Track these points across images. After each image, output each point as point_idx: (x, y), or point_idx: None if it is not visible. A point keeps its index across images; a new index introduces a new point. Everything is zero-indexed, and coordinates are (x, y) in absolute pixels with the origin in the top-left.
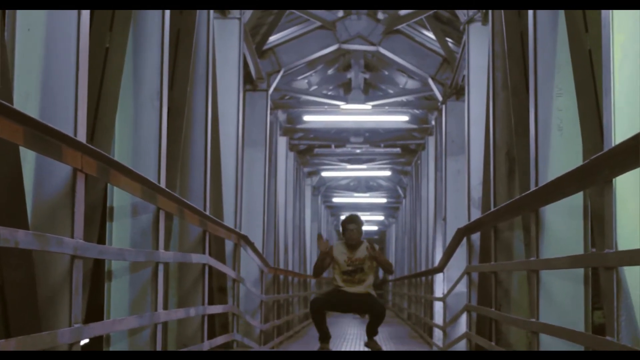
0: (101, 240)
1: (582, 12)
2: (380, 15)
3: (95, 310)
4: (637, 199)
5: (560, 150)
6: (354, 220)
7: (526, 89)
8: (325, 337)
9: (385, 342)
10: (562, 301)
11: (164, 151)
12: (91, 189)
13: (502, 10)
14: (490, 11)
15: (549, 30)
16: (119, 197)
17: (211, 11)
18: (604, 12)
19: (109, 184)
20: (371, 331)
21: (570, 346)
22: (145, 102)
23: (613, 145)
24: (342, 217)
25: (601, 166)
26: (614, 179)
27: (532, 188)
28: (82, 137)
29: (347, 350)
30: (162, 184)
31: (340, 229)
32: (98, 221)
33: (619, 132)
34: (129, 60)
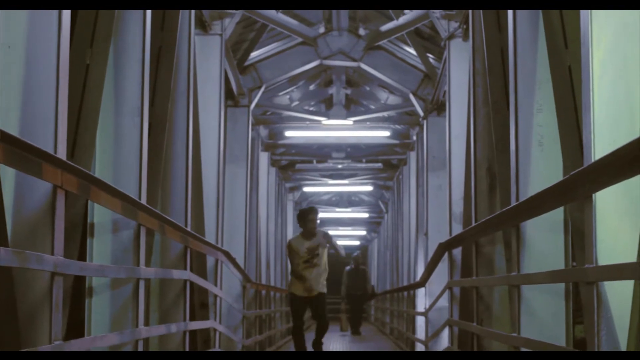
0: (82, 256)
1: (561, 27)
2: (362, 31)
3: (75, 327)
4: (616, 214)
5: (540, 166)
6: (315, 212)
7: (507, 104)
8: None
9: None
10: (543, 316)
11: (144, 167)
12: (71, 206)
13: (483, 26)
14: (470, 27)
15: (529, 47)
16: (100, 214)
17: (192, 27)
18: (583, 27)
19: (89, 201)
20: (317, 344)
21: None
22: (126, 118)
23: (593, 160)
24: (301, 209)
25: (581, 182)
26: (593, 195)
27: (513, 203)
28: (62, 154)
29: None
30: (143, 200)
31: (298, 220)
32: (79, 238)
33: (599, 148)
34: (109, 76)
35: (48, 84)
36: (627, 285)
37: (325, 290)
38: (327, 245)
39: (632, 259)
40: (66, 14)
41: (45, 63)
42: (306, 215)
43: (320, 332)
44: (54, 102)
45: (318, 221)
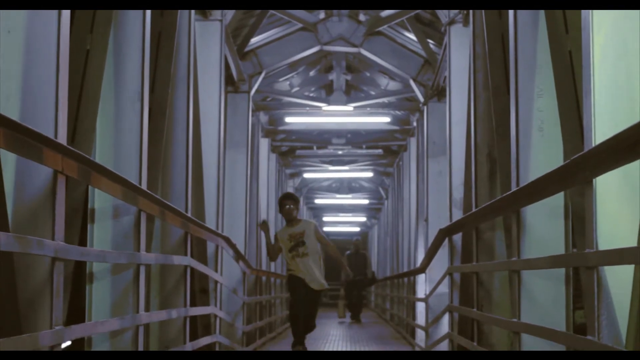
0: (82, 242)
1: (562, 13)
2: (362, 16)
3: (76, 313)
4: (617, 199)
5: (541, 151)
6: (290, 197)
7: (507, 90)
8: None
9: (368, 342)
10: (544, 301)
11: (145, 153)
12: (72, 191)
13: (483, 12)
14: (471, 12)
15: (529, 32)
16: (100, 199)
17: (192, 13)
18: (583, 13)
19: (90, 186)
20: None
21: (551, 346)
22: (126, 103)
23: (593, 145)
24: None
25: (581, 166)
26: (594, 179)
27: (513, 189)
28: (62, 139)
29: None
30: (144, 186)
31: (278, 207)
32: (79, 223)
33: (599, 133)
34: (109, 62)
35: (48, 70)
36: (628, 270)
37: (321, 287)
38: (316, 238)
39: (633, 243)
40: None
41: (46, 49)
42: (280, 202)
43: (305, 332)
44: (54, 88)
45: (290, 207)
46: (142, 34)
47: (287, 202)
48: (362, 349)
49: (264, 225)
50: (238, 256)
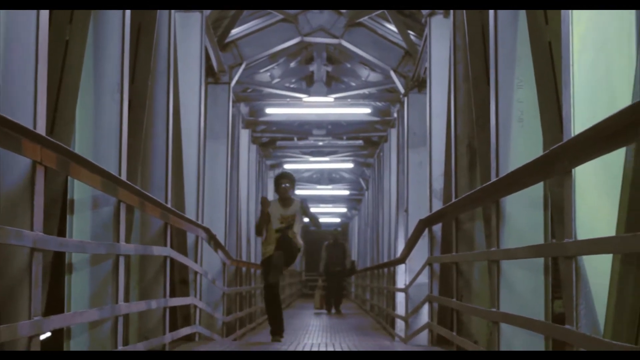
0: (61, 233)
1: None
2: None
3: (55, 303)
4: (595, 189)
5: (520, 142)
6: (286, 177)
7: (487, 81)
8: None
9: (348, 333)
10: (523, 291)
11: (124, 144)
12: (51, 182)
13: None
14: None
15: (509, 23)
16: (80, 190)
17: None
18: None
19: (69, 177)
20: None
21: (530, 336)
22: (105, 94)
23: (572, 136)
24: (277, 174)
25: (560, 157)
26: (573, 170)
27: (493, 179)
28: (41, 129)
29: (308, 344)
30: (123, 177)
31: (274, 185)
32: (58, 214)
33: (578, 123)
34: (89, 53)
35: (27, 60)
36: (606, 260)
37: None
38: (302, 214)
39: (611, 233)
40: None
41: (25, 39)
42: (278, 180)
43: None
44: (33, 78)
45: (286, 185)
46: (122, 25)
47: (283, 181)
48: (342, 340)
49: (265, 202)
50: (218, 247)
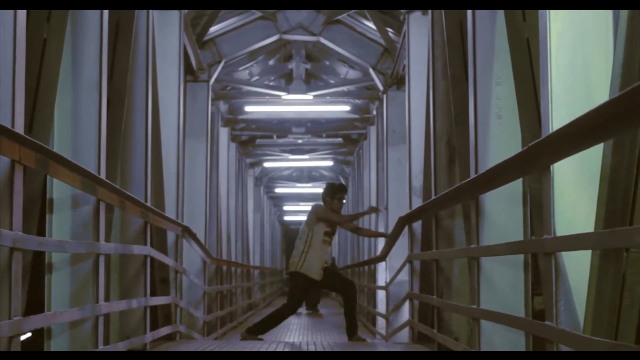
0: (41, 232)
1: None
2: None
3: (35, 303)
4: (574, 186)
5: (499, 138)
6: (346, 191)
7: (466, 78)
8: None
9: (329, 331)
10: (503, 288)
11: (103, 142)
12: (30, 181)
13: None
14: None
15: (487, 20)
16: (59, 189)
17: None
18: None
19: (48, 176)
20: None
21: (510, 332)
22: (84, 93)
23: (550, 132)
24: (335, 185)
25: (539, 153)
26: (551, 166)
27: (472, 176)
28: (19, 128)
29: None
30: (103, 176)
31: (331, 194)
32: (37, 213)
33: (557, 119)
34: (67, 51)
35: (5, 59)
36: (585, 256)
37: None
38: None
39: (590, 229)
40: None
41: (2, 37)
42: (342, 195)
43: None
44: (11, 77)
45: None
46: (100, 23)
47: (344, 196)
48: (323, 338)
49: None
50: (198, 245)
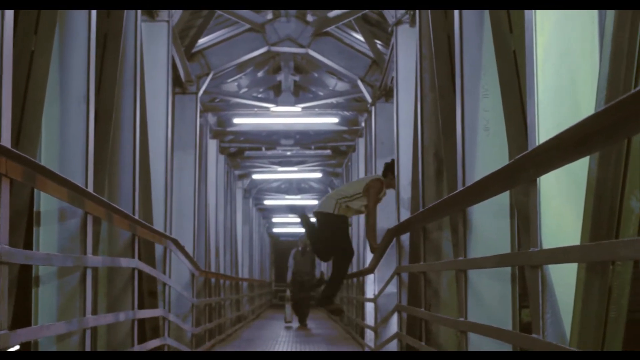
0: (28, 245)
1: (506, 13)
2: (310, 17)
3: (22, 317)
4: (561, 198)
5: (486, 150)
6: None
7: (453, 90)
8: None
9: (317, 343)
10: (490, 300)
11: (91, 155)
12: (17, 194)
13: (429, 12)
14: (417, 13)
15: (474, 32)
16: (46, 202)
17: (139, 14)
18: (526, 13)
19: (35, 189)
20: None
21: (498, 345)
22: (72, 105)
23: (537, 144)
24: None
25: (526, 166)
26: (538, 179)
27: (460, 188)
28: (6, 141)
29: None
30: (90, 188)
31: (393, 170)
32: (24, 226)
33: (543, 132)
34: (55, 63)
35: None
36: (572, 269)
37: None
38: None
39: (576, 242)
40: None
41: None
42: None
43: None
44: None
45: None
46: (88, 35)
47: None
48: (312, 350)
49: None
50: (186, 258)
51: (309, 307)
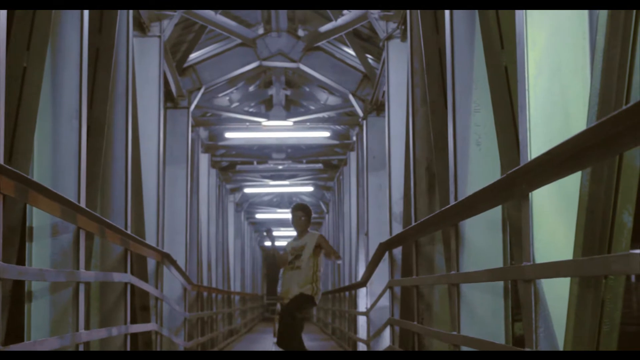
0: (21, 261)
1: (497, 28)
2: (301, 32)
3: (15, 332)
4: (553, 213)
5: (478, 165)
6: (301, 208)
7: (445, 104)
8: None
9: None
10: (483, 314)
11: (83, 170)
12: (9, 210)
13: (420, 27)
14: (408, 28)
15: (466, 47)
16: (39, 217)
17: (130, 29)
18: (518, 28)
19: (27, 204)
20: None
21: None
22: (64, 121)
23: (529, 159)
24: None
25: (518, 181)
26: (530, 193)
27: (452, 202)
28: None
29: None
30: (82, 204)
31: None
32: (17, 242)
33: (535, 147)
34: (47, 79)
35: None
36: (564, 283)
37: (304, 291)
38: (319, 248)
39: (569, 256)
40: (2, 15)
41: None
42: (292, 212)
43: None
44: None
45: (301, 219)
46: (80, 50)
47: (298, 213)
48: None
49: (269, 233)
50: (179, 272)
51: (297, 328)
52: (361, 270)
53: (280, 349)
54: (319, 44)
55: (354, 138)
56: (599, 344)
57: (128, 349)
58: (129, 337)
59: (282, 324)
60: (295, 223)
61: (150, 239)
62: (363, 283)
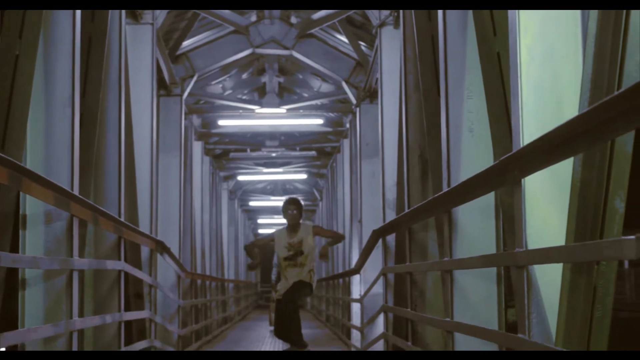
0: (14, 248)
1: (490, 15)
2: (294, 19)
3: (9, 319)
4: (545, 199)
5: (471, 152)
6: (294, 202)
7: (437, 91)
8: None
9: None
10: (476, 300)
11: (76, 158)
12: (2, 197)
13: (413, 14)
14: (401, 15)
15: (458, 34)
16: (32, 205)
17: (123, 17)
18: (510, 15)
19: (21, 192)
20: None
21: (484, 344)
22: (57, 109)
23: (521, 146)
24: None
25: (510, 167)
26: (523, 180)
27: (445, 189)
28: None
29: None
30: (76, 191)
31: (282, 213)
32: (10, 229)
33: (527, 133)
34: (39, 67)
35: None
36: (557, 269)
37: (303, 278)
38: (315, 238)
39: (561, 242)
40: None
41: None
42: (284, 207)
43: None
44: None
45: (293, 212)
46: (72, 38)
47: (290, 208)
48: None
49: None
50: (172, 259)
51: (297, 321)
52: (355, 257)
53: (279, 341)
54: (312, 31)
55: (347, 125)
56: (591, 329)
57: (122, 336)
58: (123, 325)
59: (280, 314)
60: (288, 217)
61: (144, 226)
62: (357, 270)
